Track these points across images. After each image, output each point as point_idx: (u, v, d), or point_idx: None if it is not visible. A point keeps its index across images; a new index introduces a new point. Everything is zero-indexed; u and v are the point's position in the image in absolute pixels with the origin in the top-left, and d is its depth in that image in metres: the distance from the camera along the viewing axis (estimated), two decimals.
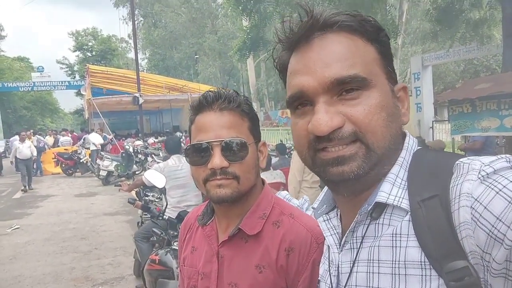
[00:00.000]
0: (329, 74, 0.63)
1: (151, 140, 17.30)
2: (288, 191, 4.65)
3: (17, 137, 14.11)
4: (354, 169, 0.62)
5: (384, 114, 0.63)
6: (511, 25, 7.21)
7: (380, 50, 0.67)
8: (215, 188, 0.98)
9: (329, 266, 0.76)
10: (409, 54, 20.37)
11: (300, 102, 0.67)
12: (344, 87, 0.63)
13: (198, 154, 0.99)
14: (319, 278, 0.81)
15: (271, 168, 5.15)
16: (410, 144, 0.69)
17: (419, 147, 0.70)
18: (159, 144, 15.46)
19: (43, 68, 28.74)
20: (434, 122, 12.19)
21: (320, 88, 0.63)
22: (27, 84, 28.58)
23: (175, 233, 3.59)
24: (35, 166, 14.31)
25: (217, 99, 1.01)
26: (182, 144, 7.33)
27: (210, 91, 1.04)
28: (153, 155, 12.82)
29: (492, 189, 0.52)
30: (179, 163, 4.25)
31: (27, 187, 12.11)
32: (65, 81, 30.54)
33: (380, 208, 0.65)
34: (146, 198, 4.79)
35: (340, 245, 0.73)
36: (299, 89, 0.66)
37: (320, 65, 0.64)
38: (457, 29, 10.28)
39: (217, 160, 0.96)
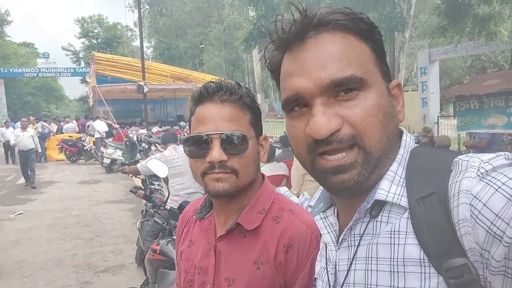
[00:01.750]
0: (325, 76, 0.61)
1: (155, 129, 17.32)
2: (291, 184, 4.63)
3: (19, 123, 13.97)
4: (354, 176, 0.62)
5: (381, 115, 0.62)
6: None
7: (374, 48, 0.66)
8: (213, 182, 0.96)
9: (326, 264, 0.75)
10: (416, 48, 20.17)
11: (297, 104, 0.65)
12: (341, 88, 0.62)
13: (197, 146, 0.97)
14: (315, 276, 0.81)
15: (274, 160, 5.15)
16: (408, 142, 0.68)
17: (416, 144, 0.69)
18: (163, 133, 15.49)
19: (48, 54, 28.81)
20: (439, 117, 12.12)
21: (317, 90, 0.62)
22: (32, 70, 28.70)
23: (177, 223, 3.59)
24: (39, 155, 14.01)
25: (219, 90, 0.98)
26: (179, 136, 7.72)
27: (211, 81, 1.01)
28: (156, 144, 12.84)
29: (492, 186, 0.51)
30: (175, 152, 4.41)
31: (29, 184, 10.45)
32: (70, 68, 30.67)
33: (379, 206, 0.65)
34: (152, 186, 4.79)
35: (337, 243, 0.72)
36: (295, 92, 0.64)
37: (316, 66, 0.62)
38: (465, 24, 10.15)
39: (216, 153, 0.93)
